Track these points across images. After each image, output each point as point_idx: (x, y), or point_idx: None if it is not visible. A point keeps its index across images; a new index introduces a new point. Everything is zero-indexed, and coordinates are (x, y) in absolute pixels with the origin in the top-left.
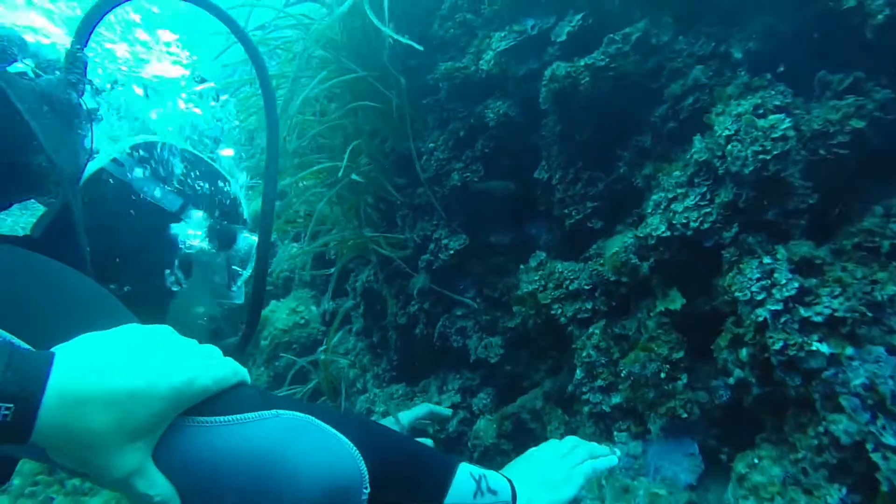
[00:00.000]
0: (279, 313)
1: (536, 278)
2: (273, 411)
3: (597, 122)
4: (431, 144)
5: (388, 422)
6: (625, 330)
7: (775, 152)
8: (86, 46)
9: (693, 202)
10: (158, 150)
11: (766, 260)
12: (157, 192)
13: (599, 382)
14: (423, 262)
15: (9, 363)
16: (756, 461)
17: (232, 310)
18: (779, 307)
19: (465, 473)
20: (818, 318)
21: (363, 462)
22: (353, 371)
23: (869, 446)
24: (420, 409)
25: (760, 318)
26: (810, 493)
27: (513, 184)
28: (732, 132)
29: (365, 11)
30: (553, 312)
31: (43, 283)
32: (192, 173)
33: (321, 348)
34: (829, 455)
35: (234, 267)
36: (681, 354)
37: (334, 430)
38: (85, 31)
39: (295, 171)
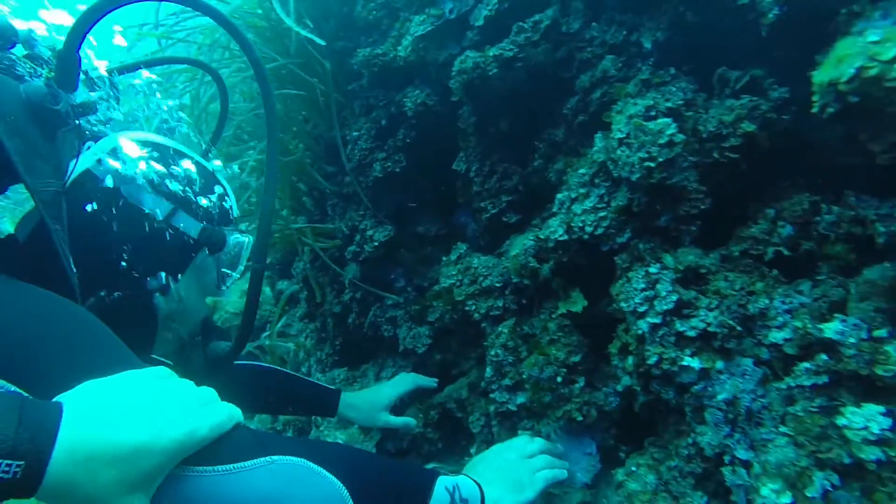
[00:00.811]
0: (230, 296)
1: (454, 273)
2: (268, 458)
3: (514, 113)
4: (356, 133)
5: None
6: (533, 329)
7: (661, 159)
8: (79, 49)
9: (592, 205)
10: (144, 149)
11: (653, 269)
12: (145, 197)
13: (507, 381)
14: (349, 253)
15: (20, 420)
16: (634, 469)
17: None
18: (657, 320)
19: (441, 488)
20: (692, 333)
21: (351, 500)
22: (301, 353)
23: (726, 458)
24: (406, 383)
25: (640, 331)
26: (676, 500)
27: None
28: (624, 135)
29: None
30: (468, 309)
31: (36, 322)
32: (180, 174)
33: (265, 334)
34: (696, 465)
35: (223, 270)
36: (577, 358)
37: (325, 472)
38: (78, 35)
39: (224, 161)
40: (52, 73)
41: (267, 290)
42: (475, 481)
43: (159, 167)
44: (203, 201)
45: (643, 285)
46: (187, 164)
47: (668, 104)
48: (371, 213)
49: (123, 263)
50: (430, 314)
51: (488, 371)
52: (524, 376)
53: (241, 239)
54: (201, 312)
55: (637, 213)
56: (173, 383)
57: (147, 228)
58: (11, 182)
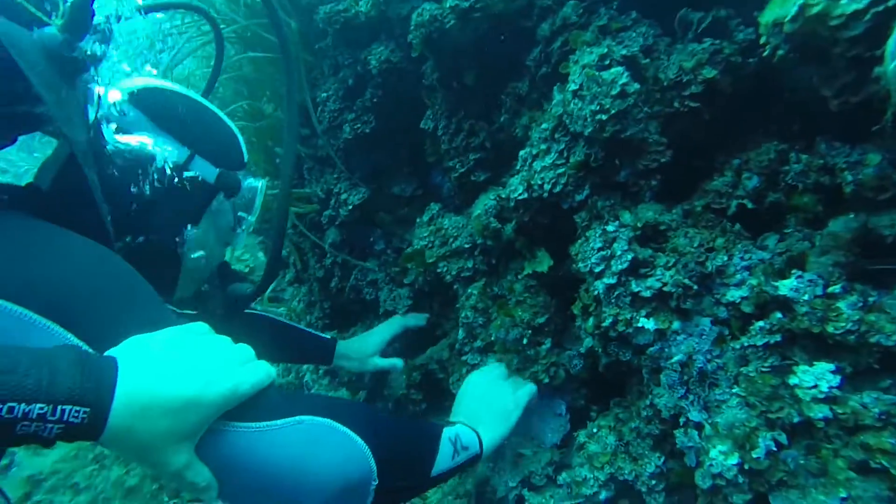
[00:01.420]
0: None
1: (426, 234)
2: (298, 417)
3: (480, 66)
4: (325, 94)
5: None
6: (502, 290)
7: (613, 111)
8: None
9: (551, 161)
10: (158, 96)
11: (610, 228)
12: (162, 142)
13: (478, 343)
14: (326, 217)
15: (83, 371)
16: (595, 430)
17: None
18: (613, 280)
19: (446, 440)
20: (647, 293)
21: (372, 459)
22: (292, 317)
23: (682, 420)
24: (394, 327)
25: (597, 292)
26: (635, 461)
27: None
28: (577, 87)
29: None
30: (439, 271)
31: (85, 273)
32: (194, 120)
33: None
34: (654, 426)
35: (240, 213)
36: (543, 319)
37: (350, 432)
38: None
39: None
40: (61, 20)
41: (260, 255)
42: (471, 427)
43: (174, 113)
44: (216, 145)
45: (600, 244)
46: (198, 109)
47: (624, 52)
48: (345, 175)
49: (145, 209)
50: (407, 277)
51: (460, 333)
52: (493, 338)
53: (254, 183)
54: (219, 257)
55: (595, 168)
56: (214, 339)
57: (165, 174)
58: (27, 131)
